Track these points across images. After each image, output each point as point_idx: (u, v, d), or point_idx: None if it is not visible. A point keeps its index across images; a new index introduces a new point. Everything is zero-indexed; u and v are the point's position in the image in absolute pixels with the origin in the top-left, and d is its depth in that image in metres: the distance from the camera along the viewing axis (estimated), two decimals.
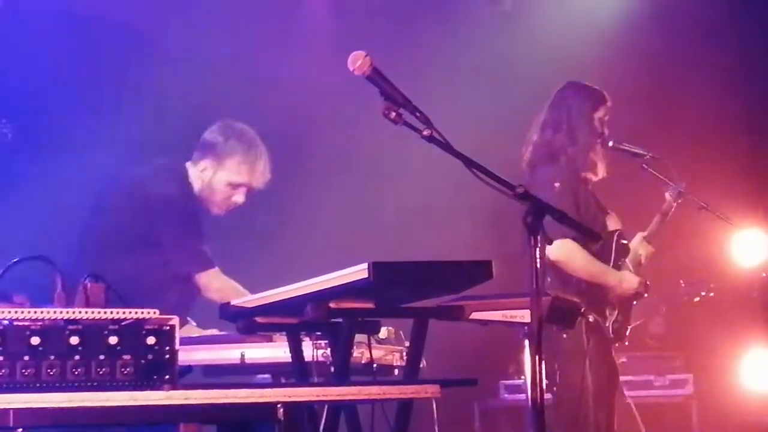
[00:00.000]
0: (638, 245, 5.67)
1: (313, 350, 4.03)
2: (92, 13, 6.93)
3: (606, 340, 5.42)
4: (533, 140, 5.57)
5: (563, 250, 5.29)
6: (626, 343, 5.65)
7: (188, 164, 5.18)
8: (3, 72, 6.62)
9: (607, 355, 5.45)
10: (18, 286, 3.63)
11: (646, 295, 5.63)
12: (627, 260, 5.55)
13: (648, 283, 5.63)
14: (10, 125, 6.80)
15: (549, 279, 5.30)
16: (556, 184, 5.36)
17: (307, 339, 4.07)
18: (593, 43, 7.84)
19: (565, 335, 5.15)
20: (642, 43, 7.91)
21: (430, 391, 3.30)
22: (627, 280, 5.49)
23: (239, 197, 5.09)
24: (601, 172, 5.59)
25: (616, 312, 5.47)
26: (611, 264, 5.50)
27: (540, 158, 5.52)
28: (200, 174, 5.08)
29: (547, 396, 4.13)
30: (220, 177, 5.06)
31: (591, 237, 3.83)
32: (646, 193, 6.02)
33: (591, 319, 5.31)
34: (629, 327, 5.59)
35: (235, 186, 5.06)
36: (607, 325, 5.44)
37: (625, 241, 5.59)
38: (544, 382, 3.42)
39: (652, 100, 7.83)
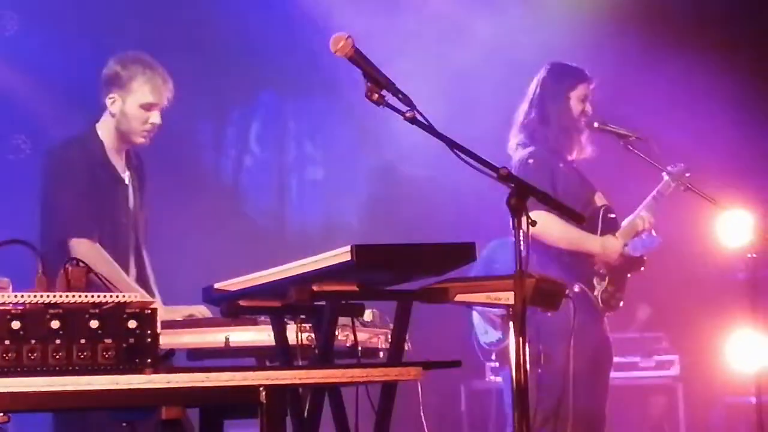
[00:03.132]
0: (640, 215, 5.64)
1: (297, 333, 4.03)
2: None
3: (595, 311, 5.41)
4: (517, 122, 5.60)
5: (539, 222, 5.28)
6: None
7: (98, 125, 5.16)
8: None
9: (596, 329, 5.43)
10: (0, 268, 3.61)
11: (642, 268, 5.61)
12: (618, 233, 5.54)
13: (645, 258, 5.62)
14: (29, 142, 6.83)
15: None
16: (530, 161, 5.38)
17: (292, 322, 4.06)
18: (581, 25, 7.83)
19: (549, 313, 5.11)
20: (631, 25, 7.90)
21: (413, 373, 3.31)
22: (609, 245, 5.48)
23: (155, 118, 5.09)
24: (587, 151, 5.58)
25: (605, 282, 5.45)
26: None
27: (520, 141, 5.54)
28: (111, 108, 5.07)
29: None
30: (130, 102, 5.06)
31: (573, 217, 3.82)
32: (635, 172, 6.02)
33: (576, 288, 5.30)
34: (622, 297, 5.55)
35: (147, 108, 5.06)
36: (595, 294, 5.42)
37: (613, 215, 5.60)
38: (528, 363, 3.44)
39: (637, 80, 7.82)
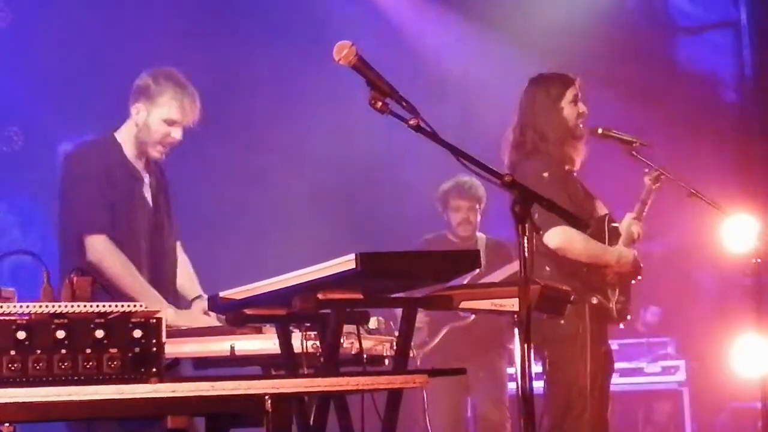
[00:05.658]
0: (630, 223, 5.62)
1: (302, 341, 4.03)
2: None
3: (610, 322, 5.40)
4: (509, 141, 5.54)
5: (563, 237, 5.26)
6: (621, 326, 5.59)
7: (117, 132, 5.20)
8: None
9: (605, 339, 5.43)
10: (6, 279, 3.62)
11: (639, 277, 5.60)
12: (620, 242, 5.53)
13: (641, 265, 5.61)
14: (21, 133, 6.85)
15: (548, 269, 5.26)
16: (545, 174, 5.31)
17: (297, 330, 4.06)
18: (579, 31, 7.84)
19: (562, 321, 5.09)
20: (629, 29, 7.91)
21: (419, 381, 3.31)
22: (624, 255, 5.45)
23: (176, 134, 5.13)
24: (579, 160, 5.56)
25: (617, 292, 5.43)
26: None
27: (519, 158, 5.48)
28: (135, 117, 5.11)
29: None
30: (154, 115, 5.11)
31: (579, 225, 3.82)
32: (634, 177, 6.02)
33: (594, 301, 5.28)
34: (630, 307, 5.54)
35: (170, 123, 5.10)
36: (611, 306, 5.40)
37: (615, 224, 5.58)
38: (534, 370, 3.44)
39: (641, 85, 7.83)
